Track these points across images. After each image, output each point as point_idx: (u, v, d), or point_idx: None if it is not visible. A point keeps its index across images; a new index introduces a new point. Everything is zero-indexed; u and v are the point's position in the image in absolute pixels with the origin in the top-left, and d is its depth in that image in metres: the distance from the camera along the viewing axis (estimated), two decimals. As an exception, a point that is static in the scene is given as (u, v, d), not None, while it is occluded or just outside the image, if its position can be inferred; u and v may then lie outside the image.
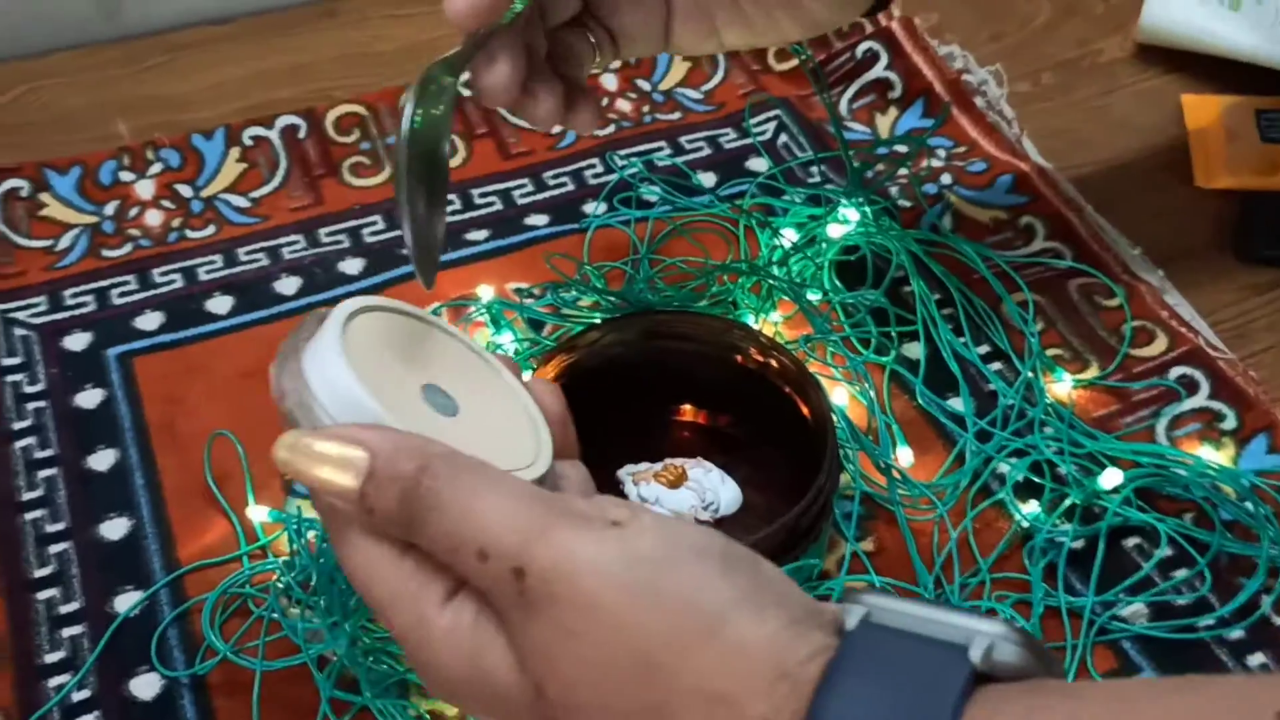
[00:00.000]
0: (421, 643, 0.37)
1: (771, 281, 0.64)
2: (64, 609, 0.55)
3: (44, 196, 0.73)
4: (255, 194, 0.75)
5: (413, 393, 0.41)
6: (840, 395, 0.64)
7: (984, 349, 0.67)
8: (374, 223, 0.73)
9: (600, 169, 0.77)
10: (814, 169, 0.77)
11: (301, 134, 0.78)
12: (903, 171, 0.75)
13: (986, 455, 0.61)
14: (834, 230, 0.68)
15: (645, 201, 0.75)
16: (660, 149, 0.78)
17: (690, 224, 0.73)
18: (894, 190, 0.75)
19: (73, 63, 0.83)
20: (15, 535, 0.58)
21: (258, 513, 0.58)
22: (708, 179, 0.77)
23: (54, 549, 0.57)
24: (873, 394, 0.64)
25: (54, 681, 0.53)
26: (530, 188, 0.76)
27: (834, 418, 0.57)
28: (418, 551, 0.37)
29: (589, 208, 0.74)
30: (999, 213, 0.74)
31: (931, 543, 0.59)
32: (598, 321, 0.61)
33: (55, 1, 0.85)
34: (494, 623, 0.36)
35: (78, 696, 0.52)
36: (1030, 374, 0.65)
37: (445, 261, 0.71)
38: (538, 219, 0.74)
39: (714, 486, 0.59)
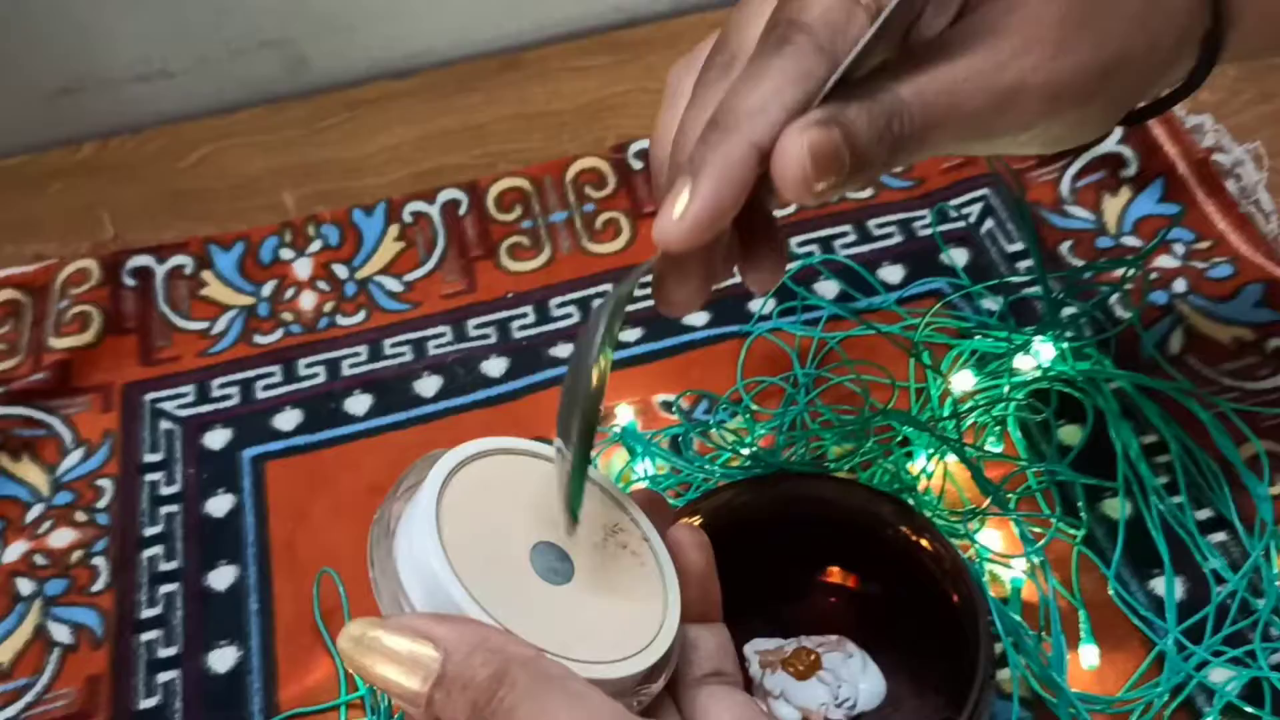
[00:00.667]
0: None
1: (935, 438, 0.55)
2: (163, 749, 0.54)
3: (206, 275, 0.73)
4: (409, 277, 0.71)
5: (519, 558, 0.36)
6: (1020, 565, 0.54)
7: (1205, 514, 0.56)
8: (524, 315, 0.69)
9: (774, 257, 0.69)
10: (1022, 266, 0.67)
11: (462, 210, 0.74)
12: (1120, 271, 0.64)
13: (1195, 662, 0.51)
14: (1024, 363, 0.58)
15: (821, 297, 0.67)
16: (844, 234, 0.70)
17: (864, 334, 0.64)
18: (1113, 299, 0.64)
19: (257, 122, 0.83)
20: (129, 659, 0.57)
21: (356, 663, 0.55)
22: (893, 274, 0.68)
23: (163, 678, 0.56)
24: (1045, 583, 0.54)
25: (142, 832, 0.52)
26: (694, 278, 0.69)
27: (990, 619, 0.48)
28: None
29: (755, 304, 0.67)
30: (1243, 331, 0.62)
31: (1111, 773, 0.49)
32: (734, 479, 0.54)
33: (246, 62, 0.85)
34: None
35: None
36: (1261, 556, 0.53)
37: (591, 367, 0.65)
38: (697, 317, 0.67)
39: (852, 677, 0.51)
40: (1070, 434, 0.58)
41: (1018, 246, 0.68)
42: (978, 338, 0.60)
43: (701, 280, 0.42)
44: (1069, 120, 0.42)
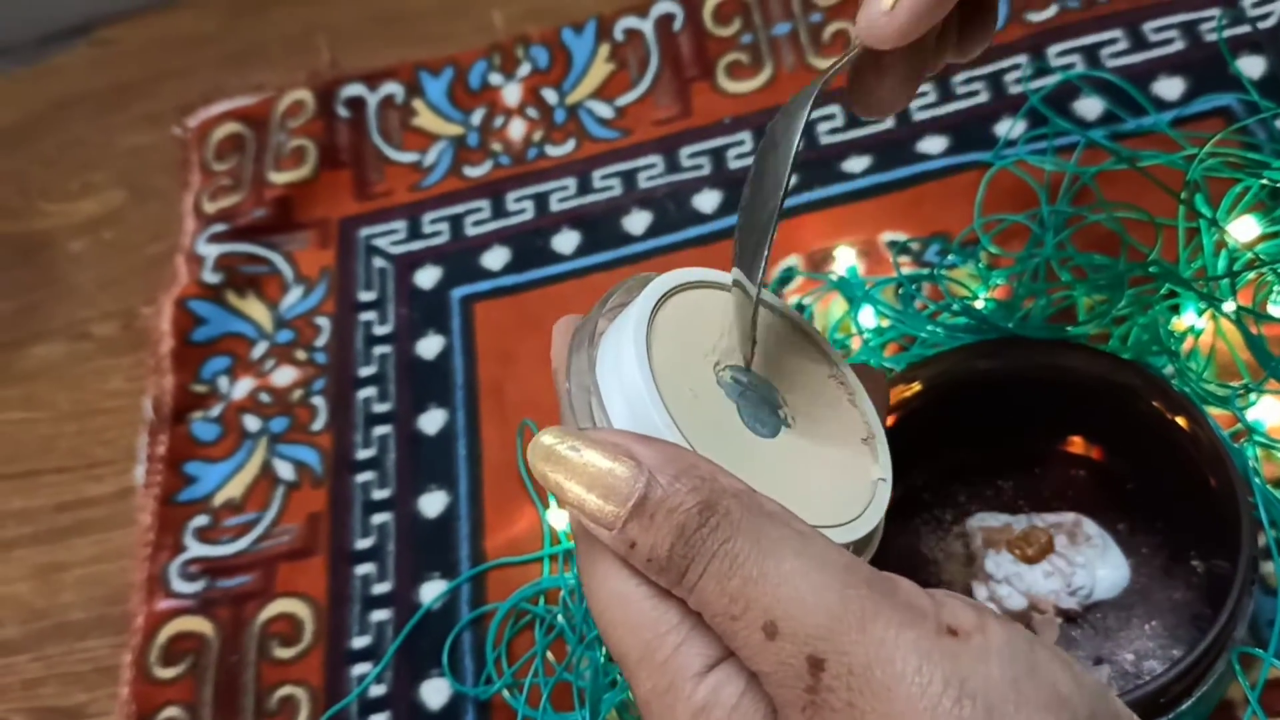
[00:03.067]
0: (664, 715, 0.29)
1: (1202, 298, 0.47)
2: (376, 589, 0.55)
3: (417, 103, 0.70)
4: (620, 101, 0.67)
5: (724, 400, 0.33)
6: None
7: None
8: (740, 143, 0.63)
9: (1028, 69, 0.61)
10: (1333, 74, 0.56)
11: (677, 25, 0.68)
12: None
13: None
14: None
15: (1080, 120, 0.58)
16: (1113, 41, 0.60)
17: (1129, 164, 0.55)
18: None
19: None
20: (347, 498, 0.58)
21: (558, 519, 0.53)
22: (1171, 88, 0.58)
23: (377, 519, 0.57)
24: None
25: (357, 670, 0.53)
26: (932, 97, 0.62)
27: (1255, 511, 0.41)
28: (683, 602, 0.29)
29: (1002, 127, 0.59)
30: None
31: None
32: (961, 342, 0.48)
33: None
34: (762, 713, 0.28)
35: (375, 691, 0.52)
36: None
37: (808, 202, 0.60)
38: (934, 143, 0.60)
39: (1088, 562, 0.46)
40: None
41: (1330, 52, 0.57)
42: (1271, 171, 0.50)
43: (909, 73, 0.36)
44: None
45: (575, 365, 0.33)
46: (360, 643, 0.54)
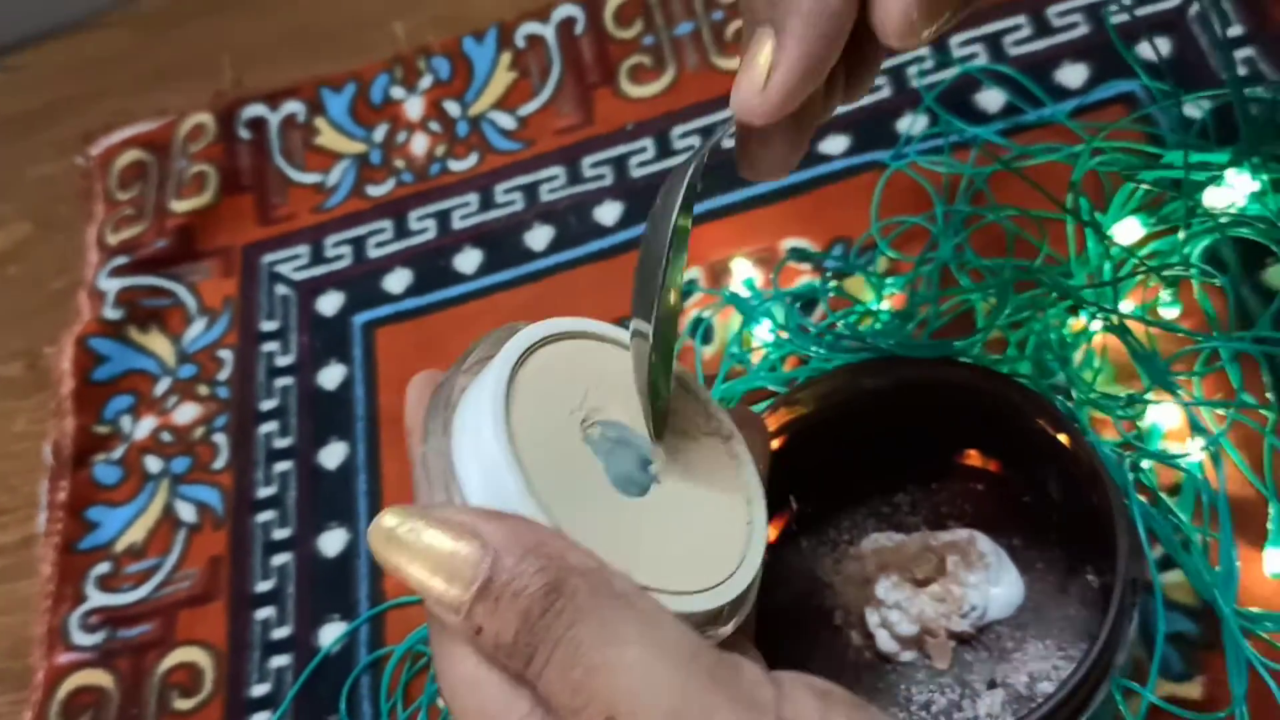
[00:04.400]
0: None
1: (1086, 306, 0.45)
2: (276, 633, 0.54)
3: (319, 121, 0.69)
4: (523, 111, 0.65)
5: (590, 459, 0.32)
6: (1198, 449, 0.45)
7: None
8: (643, 150, 0.62)
9: (929, 63, 0.59)
10: (1240, 56, 0.54)
11: (579, 28, 0.66)
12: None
13: None
14: (1218, 198, 0.46)
15: (982, 113, 0.56)
16: (1016, 28, 0.58)
17: (1028, 157, 0.53)
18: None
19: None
20: (247, 539, 0.57)
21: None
22: (1074, 75, 0.56)
23: (277, 560, 0.56)
24: (1215, 476, 0.44)
25: (257, 718, 0.52)
26: (833, 95, 0.59)
27: (1133, 533, 0.40)
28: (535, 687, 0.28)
29: (905, 123, 0.57)
30: None
31: (1292, 708, 0.41)
32: (851, 362, 0.47)
33: None
34: None
35: (274, 739, 0.51)
36: None
37: (709, 210, 0.58)
38: (835, 143, 0.58)
39: (980, 583, 0.44)
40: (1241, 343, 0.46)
41: (1238, 30, 0.54)
42: (1161, 166, 0.48)
43: (795, 136, 0.34)
44: None
45: (430, 428, 0.32)
46: (259, 690, 0.53)
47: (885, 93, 0.59)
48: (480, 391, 0.31)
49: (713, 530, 0.33)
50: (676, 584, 0.30)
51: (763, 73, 0.30)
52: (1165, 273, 0.44)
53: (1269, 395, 0.44)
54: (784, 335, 0.52)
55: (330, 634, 0.53)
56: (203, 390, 0.61)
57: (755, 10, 0.30)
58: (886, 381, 0.45)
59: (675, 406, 0.35)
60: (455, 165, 0.65)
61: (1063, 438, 0.42)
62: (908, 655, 0.45)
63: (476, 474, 0.30)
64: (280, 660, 0.53)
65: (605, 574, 0.28)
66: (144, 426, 0.61)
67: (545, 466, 0.30)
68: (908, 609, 0.44)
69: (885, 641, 0.45)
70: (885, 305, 0.51)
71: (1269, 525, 0.43)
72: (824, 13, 0.29)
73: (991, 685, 0.43)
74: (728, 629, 0.32)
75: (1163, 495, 0.44)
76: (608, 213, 0.60)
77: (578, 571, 0.27)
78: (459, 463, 0.31)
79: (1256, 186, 0.44)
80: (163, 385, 0.62)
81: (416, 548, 0.28)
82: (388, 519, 0.29)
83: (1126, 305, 0.46)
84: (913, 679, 0.44)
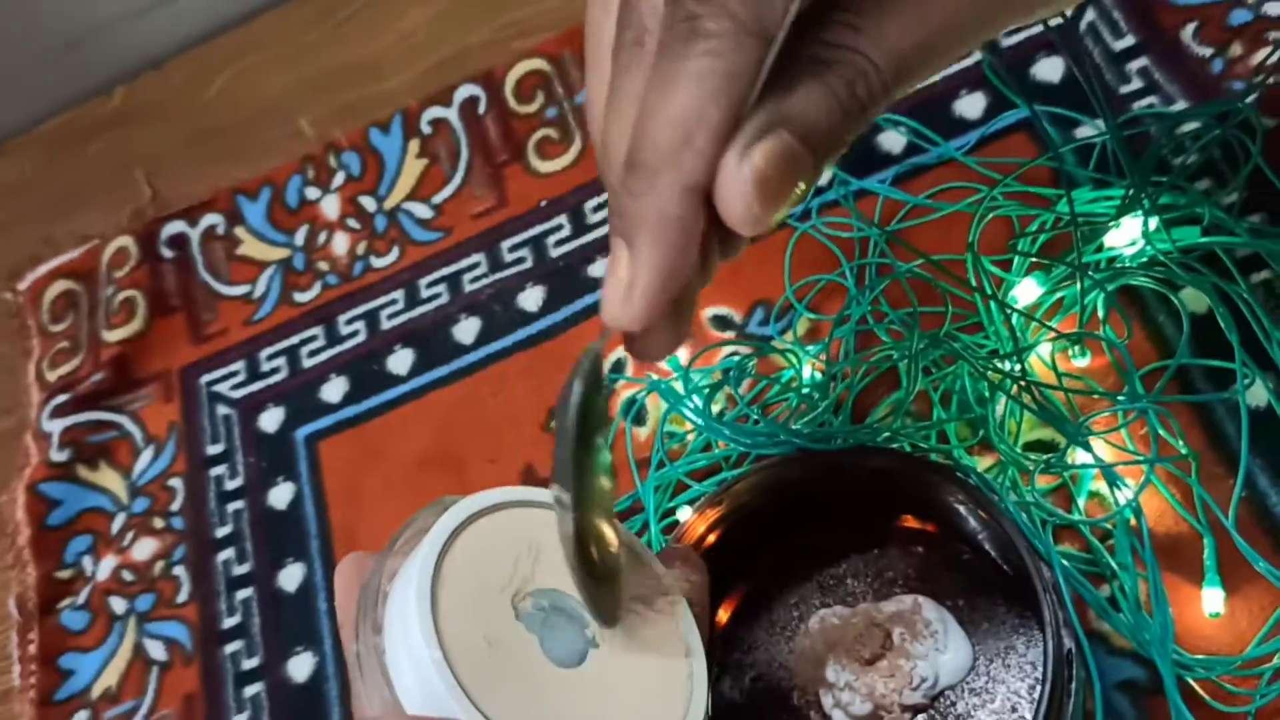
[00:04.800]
0: None
1: (993, 374, 0.45)
2: (256, 768, 0.55)
3: (239, 231, 0.69)
4: (437, 199, 0.65)
5: (527, 636, 0.32)
6: (1128, 492, 0.45)
7: (1372, 393, 0.45)
8: (559, 227, 0.62)
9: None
10: (1133, 68, 0.54)
11: (481, 108, 0.66)
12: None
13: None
14: (1118, 239, 0.46)
15: (886, 154, 0.56)
16: (911, 61, 0.58)
17: (931, 210, 0.53)
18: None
19: (270, 30, 0.76)
20: (218, 672, 0.57)
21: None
22: (973, 106, 0.56)
23: (249, 691, 0.56)
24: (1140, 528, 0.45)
25: None
26: (739, 151, 0.59)
27: (1056, 603, 0.40)
28: None
29: (812, 174, 0.57)
30: None
31: (1244, 747, 0.41)
32: (768, 460, 0.47)
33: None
34: None
35: None
36: None
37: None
38: (745, 202, 0.58)
39: (928, 652, 0.45)
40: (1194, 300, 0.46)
41: (1128, 42, 0.54)
42: (1051, 218, 0.48)
43: (674, 322, 0.34)
44: None
45: (361, 626, 0.32)
46: (246, 828, 0.53)
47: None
48: (406, 586, 0.31)
49: (653, 690, 0.33)
50: None
51: (624, 287, 0.30)
52: (1068, 334, 0.44)
53: (1181, 449, 0.44)
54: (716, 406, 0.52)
55: (309, 764, 0.54)
56: (158, 523, 0.62)
57: (611, 222, 0.30)
58: (809, 472, 0.46)
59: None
60: (378, 262, 0.65)
61: (981, 514, 0.42)
62: (867, 732, 0.45)
63: (409, 674, 0.30)
64: (263, 796, 0.54)
65: None
66: (105, 566, 0.62)
67: (477, 658, 0.31)
68: (859, 689, 0.45)
69: (842, 722, 0.45)
70: (809, 370, 0.51)
71: (1205, 562, 0.44)
72: (667, 225, 0.29)
73: (951, 753, 0.44)
74: None
75: (1097, 543, 0.44)
76: (530, 298, 0.60)
77: None
78: (391, 663, 0.31)
79: (1149, 227, 0.44)
80: (119, 522, 0.63)
81: None
82: None
83: (1042, 352, 0.47)
84: (875, 756, 0.45)
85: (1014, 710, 0.44)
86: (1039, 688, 0.42)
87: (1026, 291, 0.45)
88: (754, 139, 0.29)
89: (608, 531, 0.34)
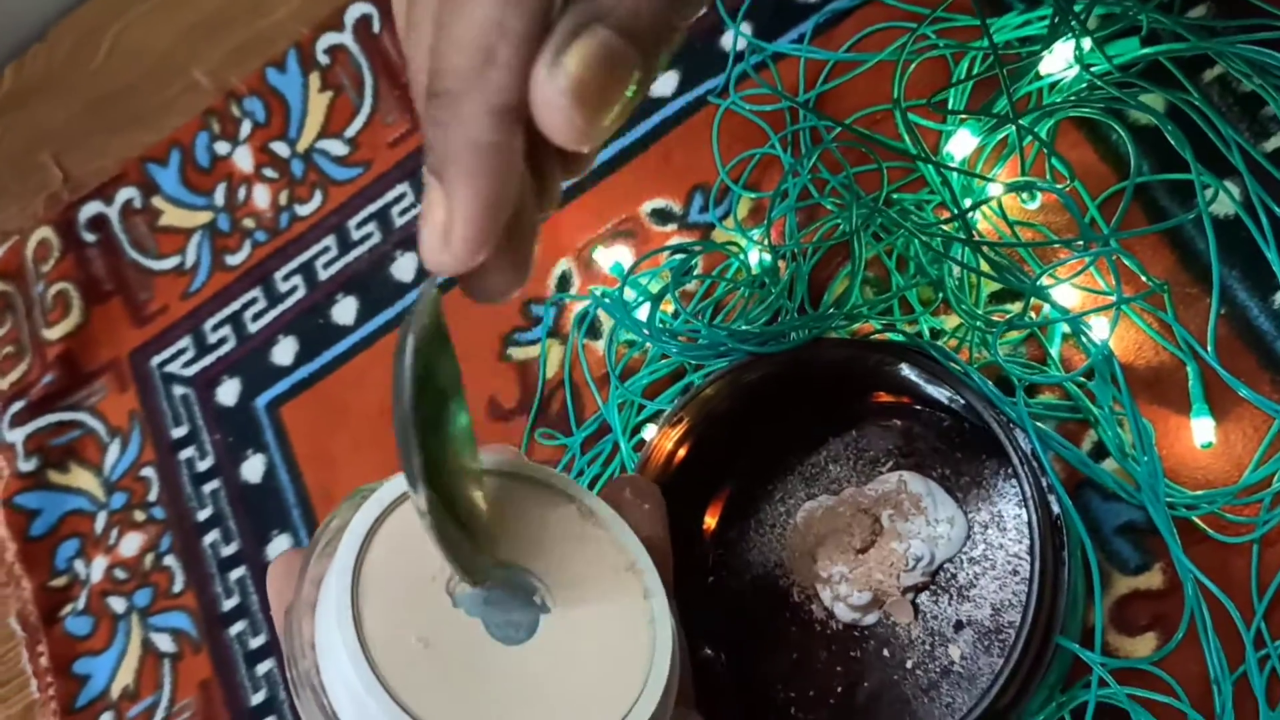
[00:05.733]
0: None
1: (929, 251, 0.43)
2: (282, 741, 0.55)
3: (157, 201, 0.65)
4: (349, 132, 0.62)
5: (465, 618, 0.31)
6: (1103, 325, 0.43)
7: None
8: (479, 142, 0.58)
9: (737, -39, 0.54)
10: None
11: (375, 26, 0.62)
12: None
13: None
14: (1055, 65, 0.43)
15: (803, 7, 0.52)
16: (815, -104, 0.54)
17: (856, 64, 0.50)
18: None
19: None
20: (228, 655, 0.57)
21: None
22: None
23: (262, 668, 0.56)
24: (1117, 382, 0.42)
25: (291, 831, 0.53)
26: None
27: (1036, 477, 0.39)
28: None
29: (727, 39, 0.53)
30: None
31: (1250, 576, 0.40)
32: (721, 370, 0.44)
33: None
34: None
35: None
36: None
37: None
38: (664, 83, 0.54)
39: (920, 530, 0.44)
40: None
41: None
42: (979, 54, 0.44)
43: (513, 258, 0.31)
44: None
45: (295, 647, 0.30)
46: (281, 804, 0.54)
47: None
48: (328, 603, 0.30)
49: (615, 635, 0.32)
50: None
51: (441, 227, 0.27)
52: (1011, 182, 0.41)
53: (1150, 282, 0.42)
54: (667, 306, 0.50)
55: (332, 731, 0.53)
56: (139, 516, 0.61)
57: (425, 159, 0.27)
58: (767, 372, 0.44)
59: (543, 511, 0.33)
60: (302, 210, 0.62)
61: (945, 388, 0.40)
62: (871, 618, 0.44)
63: (345, 701, 0.29)
64: (295, 769, 0.54)
65: None
66: (97, 568, 0.61)
67: (413, 662, 0.29)
68: (855, 580, 0.44)
69: (844, 613, 0.44)
70: (755, 256, 0.49)
71: (1191, 389, 0.42)
72: (479, 154, 0.26)
73: (959, 627, 0.43)
74: None
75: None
76: (464, 222, 0.57)
77: None
78: (328, 685, 0.30)
79: (1082, 49, 0.41)
80: (101, 521, 0.62)
81: None
82: None
83: (993, 200, 0.44)
84: (884, 640, 0.44)
85: (1015, 573, 0.43)
86: (1055, 529, 0.41)
87: (962, 143, 0.42)
88: (565, 42, 0.25)
89: (476, 498, 0.31)
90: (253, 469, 0.59)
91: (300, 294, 0.61)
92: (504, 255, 0.29)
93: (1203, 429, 0.41)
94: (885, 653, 0.44)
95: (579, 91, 0.26)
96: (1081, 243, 0.41)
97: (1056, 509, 0.39)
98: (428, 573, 0.31)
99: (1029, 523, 0.38)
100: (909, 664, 0.44)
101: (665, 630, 0.32)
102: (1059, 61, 0.42)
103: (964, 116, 0.42)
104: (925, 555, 0.44)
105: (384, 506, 0.31)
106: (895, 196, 0.45)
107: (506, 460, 0.34)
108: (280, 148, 0.63)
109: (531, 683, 0.30)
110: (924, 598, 0.44)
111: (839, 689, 0.44)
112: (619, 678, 0.31)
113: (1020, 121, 0.40)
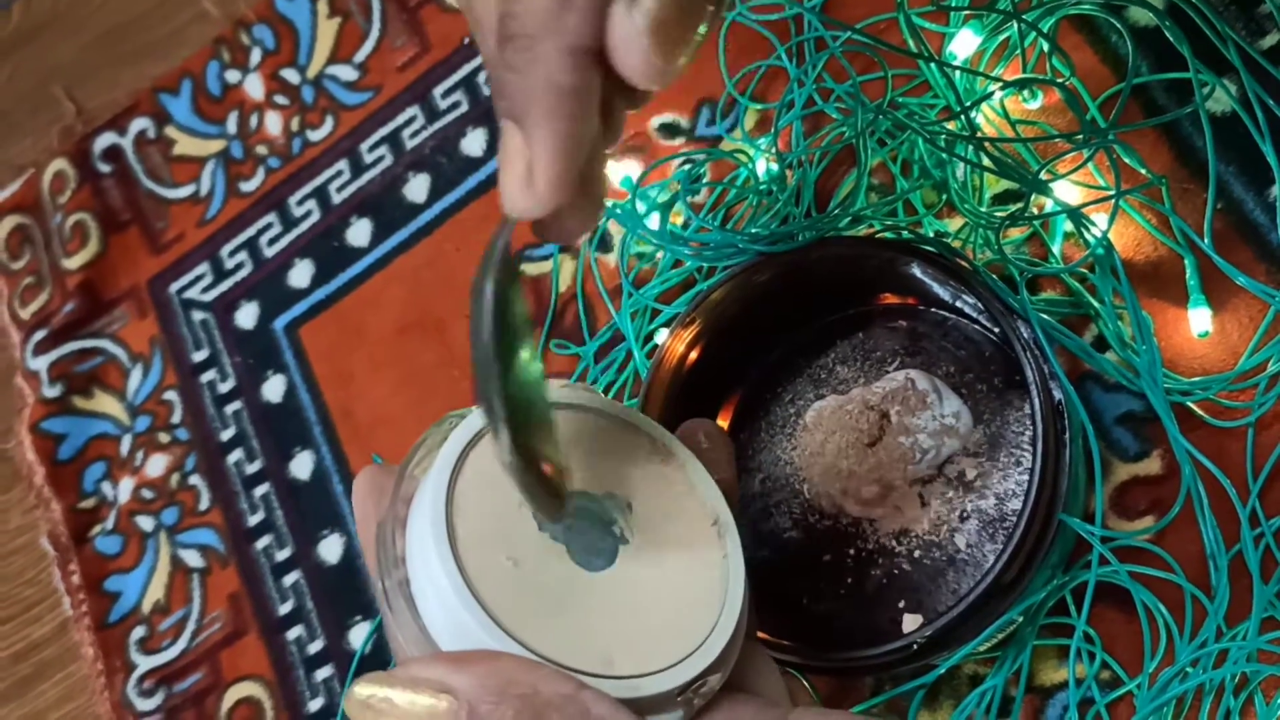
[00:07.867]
0: None
1: (935, 149, 0.44)
2: (311, 648, 0.56)
3: (170, 131, 0.66)
4: (359, 57, 0.62)
5: (551, 544, 0.32)
6: (1103, 220, 0.44)
7: (1337, 75, 0.43)
8: (487, 63, 0.59)
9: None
10: None
11: (382, -53, 0.63)
12: None
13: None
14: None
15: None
16: None
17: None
18: None
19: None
20: (255, 568, 0.59)
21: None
22: None
23: (288, 580, 0.58)
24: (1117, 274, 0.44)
25: (321, 729, 0.55)
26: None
27: (1041, 365, 0.40)
28: None
29: (733, -47, 0.54)
30: None
31: (1245, 458, 0.42)
32: (732, 270, 0.45)
33: None
34: None
35: (344, 746, 0.55)
36: None
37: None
38: (671, -2, 0.55)
39: (927, 423, 0.45)
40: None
41: None
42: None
43: (587, 199, 0.31)
44: None
45: (384, 563, 0.31)
46: (315, 705, 0.56)
47: None
48: (422, 518, 0.30)
49: (690, 573, 0.32)
50: (660, 658, 0.30)
51: (523, 171, 0.28)
52: (1014, 80, 0.42)
53: (1148, 175, 0.43)
54: (676, 219, 0.51)
55: (359, 635, 0.55)
56: (163, 438, 0.62)
57: (498, 104, 0.28)
58: (776, 272, 0.45)
59: (625, 448, 0.34)
60: (314, 135, 0.63)
61: (951, 283, 0.42)
62: (879, 511, 0.46)
63: (436, 608, 0.30)
64: (324, 672, 0.56)
65: (582, 700, 0.28)
66: (124, 489, 0.62)
67: (502, 578, 0.30)
68: (864, 474, 0.45)
69: (853, 508, 0.46)
70: (763, 165, 0.50)
71: (1188, 281, 0.43)
72: (559, 96, 0.27)
73: (964, 517, 0.45)
74: (718, 679, 0.32)
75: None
76: (474, 142, 0.59)
77: (553, 705, 0.28)
78: (418, 595, 0.30)
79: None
80: (126, 444, 0.63)
81: (393, 715, 0.28)
82: (359, 690, 0.29)
83: (995, 101, 0.45)
84: (892, 532, 0.46)
85: (1019, 464, 0.44)
86: (1059, 425, 0.43)
87: (965, 43, 0.43)
88: None
89: (551, 432, 0.32)
90: (273, 389, 0.61)
91: (314, 218, 0.62)
92: (579, 195, 0.30)
93: (1200, 319, 0.42)
94: (893, 544, 0.46)
95: (658, 30, 0.26)
96: (1081, 136, 0.42)
97: (1059, 395, 0.40)
98: (515, 498, 0.31)
99: (1032, 406, 0.39)
100: (916, 554, 0.45)
101: (738, 563, 0.33)
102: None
103: (968, 14, 0.43)
104: (932, 449, 0.45)
105: (474, 433, 0.32)
106: (900, 100, 0.46)
107: (579, 395, 0.35)
108: (290, 75, 0.64)
109: (611, 608, 0.31)
110: (931, 490, 0.45)
111: (849, 579, 0.46)
112: (696, 609, 0.32)
113: (1023, 17, 0.41)
